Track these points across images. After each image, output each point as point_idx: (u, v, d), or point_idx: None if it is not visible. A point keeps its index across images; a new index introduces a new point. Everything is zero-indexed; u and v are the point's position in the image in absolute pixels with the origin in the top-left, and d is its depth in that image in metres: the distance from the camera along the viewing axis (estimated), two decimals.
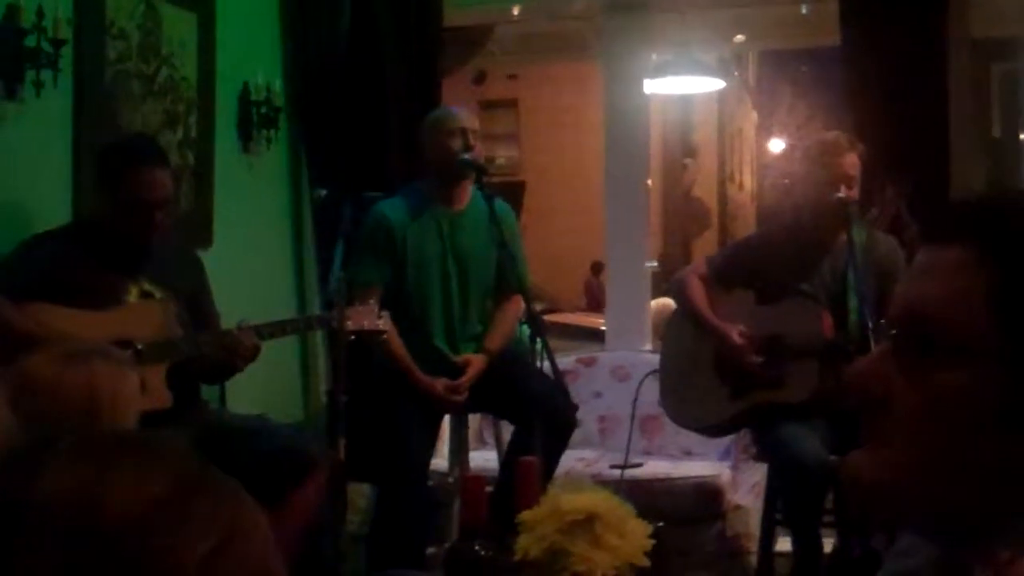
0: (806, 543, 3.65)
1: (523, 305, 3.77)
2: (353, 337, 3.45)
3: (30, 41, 3.47)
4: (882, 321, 3.56)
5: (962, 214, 0.92)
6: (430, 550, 4.02)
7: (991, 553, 0.85)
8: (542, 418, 3.55)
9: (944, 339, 0.87)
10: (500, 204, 3.99)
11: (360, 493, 4.34)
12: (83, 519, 0.75)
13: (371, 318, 3.48)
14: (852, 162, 3.80)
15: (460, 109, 4.14)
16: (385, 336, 3.64)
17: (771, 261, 3.87)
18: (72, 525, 0.75)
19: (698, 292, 3.96)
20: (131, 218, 3.34)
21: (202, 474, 0.81)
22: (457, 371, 3.96)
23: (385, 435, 3.86)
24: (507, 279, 4.00)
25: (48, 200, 3.66)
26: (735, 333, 3.83)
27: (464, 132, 3.92)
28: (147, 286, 3.42)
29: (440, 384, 3.91)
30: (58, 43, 3.53)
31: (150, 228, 3.38)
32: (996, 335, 0.85)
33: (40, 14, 3.48)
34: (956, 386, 0.86)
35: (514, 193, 13.62)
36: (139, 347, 3.19)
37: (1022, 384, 0.85)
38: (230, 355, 3.36)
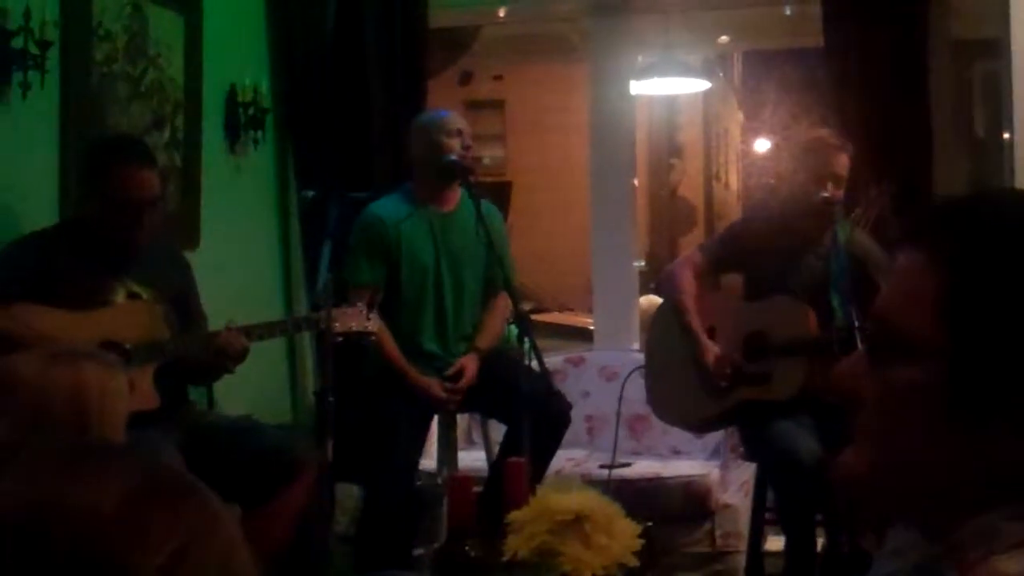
0: (800, 541, 3.65)
1: (510, 304, 3.78)
2: (341, 339, 3.46)
3: (17, 43, 3.46)
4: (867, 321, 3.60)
5: (922, 219, 0.97)
6: (419, 551, 4.02)
7: (962, 553, 0.87)
8: (536, 417, 3.57)
9: (898, 339, 0.91)
10: (486, 204, 4.01)
11: (348, 493, 4.35)
12: (37, 532, 0.74)
13: (359, 319, 3.48)
14: (842, 162, 3.82)
15: (451, 112, 4.16)
16: (375, 337, 3.65)
17: (757, 253, 3.88)
18: (27, 538, 0.74)
19: (688, 290, 3.96)
20: (118, 217, 3.33)
21: (158, 480, 0.80)
22: (446, 370, 3.97)
23: (372, 435, 3.86)
24: (494, 279, 4.01)
25: (35, 201, 3.65)
26: (711, 355, 3.85)
27: (462, 133, 3.95)
28: (134, 287, 3.42)
29: (437, 384, 3.92)
30: (45, 45, 3.52)
31: (137, 228, 3.37)
32: (942, 336, 0.89)
33: (27, 16, 3.47)
34: (906, 384, 0.90)
35: (501, 193, 13.61)
36: (127, 348, 3.19)
37: (967, 385, 0.88)
38: (218, 356, 3.36)
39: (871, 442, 0.95)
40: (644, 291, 5.96)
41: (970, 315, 0.89)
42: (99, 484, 0.77)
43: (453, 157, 3.92)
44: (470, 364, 3.97)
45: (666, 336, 4.06)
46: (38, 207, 3.64)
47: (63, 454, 0.82)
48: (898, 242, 0.97)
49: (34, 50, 3.50)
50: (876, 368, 0.94)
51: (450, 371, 3.96)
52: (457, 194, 4.06)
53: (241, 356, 3.40)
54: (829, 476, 3.64)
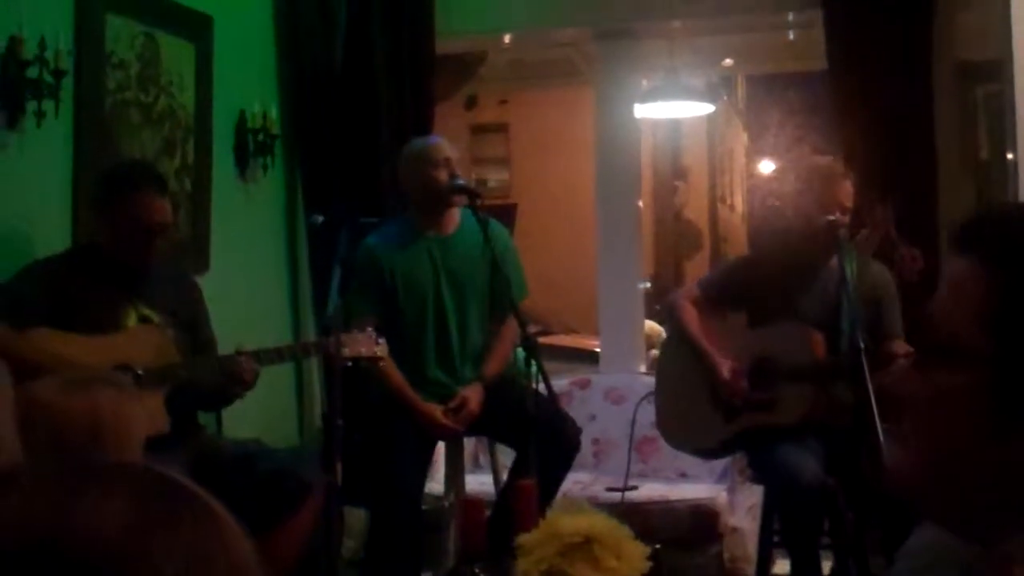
0: (805, 565, 3.65)
1: (517, 327, 3.80)
2: (350, 363, 3.48)
3: (32, 72, 3.51)
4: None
5: (970, 226, 0.98)
6: (426, 574, 4.03)
7: (1008, 566, 0.87)
8: (545, 441, 3.58)
9: (946, 344, 0.92)
10: (494, 225, 4.03)
11: (356, 517, 4.36)
12: (41, 561, 0.73)
13: (369, 344, 3.51)
14: (846, 191, 3.84)
15: (439, 138, 4.18)
16: (382, 363, 3.67)
17: (762, 283, 3.90)
18: (33, 559, 0.73)
19: (691, 316, 3.98)
20: (129, 243, 3.37)
21: (163, 499, 0.79)
22: (451, 398, 3.99)
23: (378, 459, 3.88)
24: (501, 300, 4.03)
25: (48, 227, 3.69)
26: (726, 369, 3.86)
27: (448, 161, 3.96)
28: (145, 311, 3.45)
29: (439, 412, 3.93)
30: (59, 74, 3.57)
31: (147, 253, 3.41)
32: (988, 343, 0.90)
33: (42, 45, 3.52)
34: (953, 389, 0.91)
35: (506, 215, 13.63)
36: (139, 372, 3.21)
37: (1012, 393, 0.89)
38: (229, 381, 3.39)
39: (918, 445, 0.96)
40: (650, 313, 5.97)
41: (1016, 323, 0.90)
42: (102, 506, 0.76)
43: (461, 182, 3.96)
44: (473, 395, 3.97)
45: (675, 362, 4.07)
46: (51, 233, 3.68)
47: (64, 476, 0.80)
48: (949, 249, 0.98)
49: (48, 79, 3.55)
50: (924, 371, 0.95)
51: (452, 404, 3.97)
52: (456, 217, 4.08)
53: (252, 381, 3.42)
54: (833, 499, 3.66)
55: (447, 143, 4.12)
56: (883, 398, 3.27)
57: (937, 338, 0.94)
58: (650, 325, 6.30)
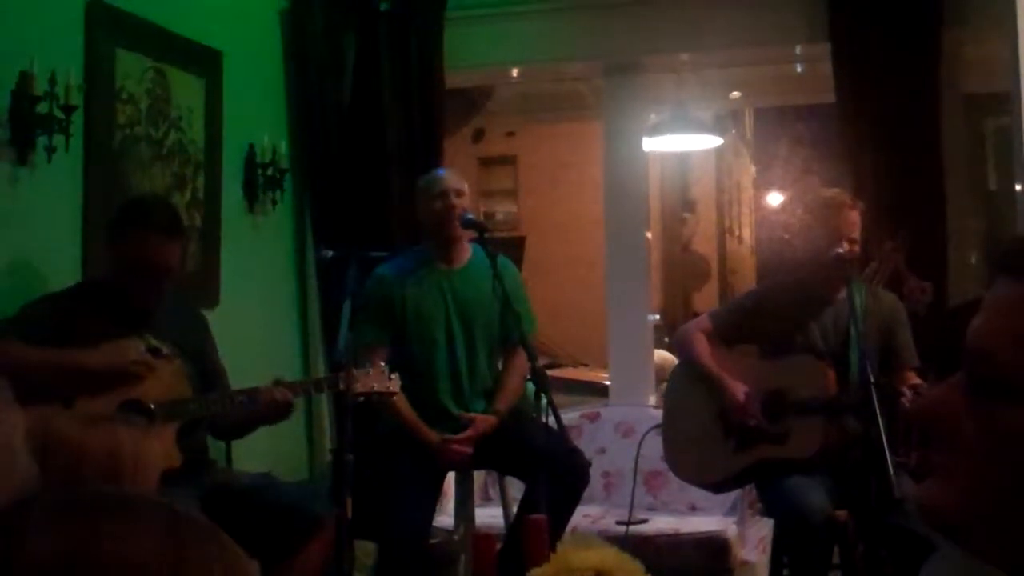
0: None
1: (527, 360, 3.79)
2: (362, 399, 3.48)
3: (42, 107, 3.53)
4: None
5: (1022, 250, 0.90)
6: None
7: None
8: (554, 475, 3.57)
9: (1002, 377, 0.85)
10: (502, 259, 4.04)
11: (366, 551, 4.35)
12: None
13: (381, 380, 3.51)
14: (853, 220, 3.84)
15: (447, 171, 4.21)
16: (396, 397, 3.68)
17: (773, 317, 3.90)
18: None
19: (703, 347, 3.98)
20: (134, 281, 3.37)
21: (183, 530, 0.80)
22: (462, 428, 3.99)
23: (386, 492, 3.87)
24: (510, 334, 4.03)
25: (58, 261, 3.71)
26: (740, 392, 3.85)
27: (446, 194, 3.98)
28: (154, 342, 3.45)
29: (446, 442, 3.93)
30: (69, 109, 3.59)
31: (153, 292, 3.41)
32: None
33: (52, 81, 3.55)
34: (1010, 426, 0.84)
35: (514, 248, 13.68)
36: (151, 407, 3.22)
37: None
38: (273, 412, 3.40)
39: (964, 481, 0.88)
40: (659, 346, 5.96)
41: None
42: (126, 535, 0.77)
43: (469, 216, 3.99)
44: (481, 421, 3.98)
45: (683, 395, 4.06)
46: (61, 267, 3.69)
47: (90, 501, 0.81)
48: (1000, 272, 0.90)
49: (59, 114, 3.57)
50: (977, 404, 0.87)
51: (464, 418, 3.98)
52: (468, 250, 4.09)
53: (287, 412, 3.44)
54: (843, 532, 3.64)
55: (453, 175, 4.14)
56: (908, 424, 3.25)
57: (992, 369, 0.86)
58: (662, 355, 6.29)
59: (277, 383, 3.42)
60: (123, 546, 0.76)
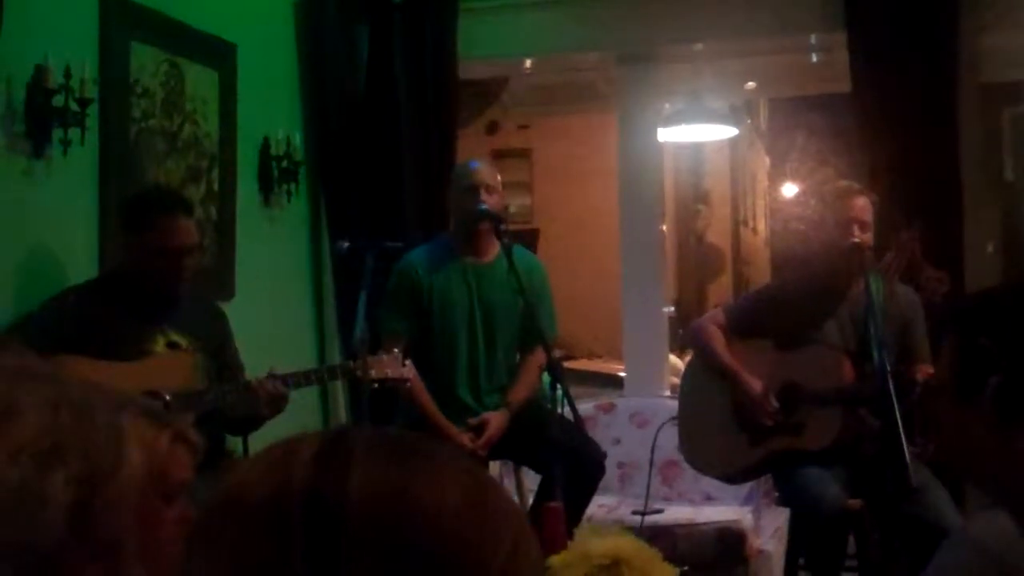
0: None
1: (545, 357, 3.79)
2: (376, 385, 3.49)
3: (58, 101, 3.54)
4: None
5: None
6: None
7: None
8: (570, 465, 3.57)
9: None
10: (522, 253, 4.03)
11: None
12: (400, 518, 0.75)
13: (395, 366, 3.51)
14: (863, 205, 3.82)
15: (479, 163, 4.18)
16: (409, 384, 3.67)
17: (788, 310, 3.88)
18: (391, 524, 0.75)
19: (718, 339, 3.97)
20: (158, 266, 3.40)
21: (484, 479, 0.82)
22: (476, 426, 3.98)
23: None
24: (530, 331, 4.02)
25: (75, 255, 3.72)
26: (757, 387, 3.84)
27: (475, 188, 3.97)
28: (174, 336, 3.47)
29: (464, 436, 3.93)
30: (84, 102, 3.60)
31: (177, 276, 3.44)
32: None
33: (67, 74, 3.56)
34: None
35: (528, 241, 13.66)
36: (167, 398, 3.23)
37: None
38: (261, 404, 3.40)
39: None
40: (673, 337, 5.95)
41: None
42: (438, 480, 0.78)
43: (484, 207, 3.96)
44: (495, 419, 3.97)
45: (698, 387, 4.06)
46: (78, 260, 3.71)
47: (399, 445, 0.82)
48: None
49: (74, 108, 3.58)
50: None
51: (474, 421, 3.97)
52: (495, 245, 4.08)
53: (282, 405, 3.44)
54: (858, 522, 3.64)
55: (486, 167, 4.13)
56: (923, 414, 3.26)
57: None
58: (672, 360, 6.29)
59: (270, 376, 3.42)
60: (436, 494, 0.77)
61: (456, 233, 4.13)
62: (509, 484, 4.79)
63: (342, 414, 5.04)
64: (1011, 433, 1.21)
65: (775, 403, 3.82)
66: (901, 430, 3.26)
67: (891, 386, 3.39)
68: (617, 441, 4.97)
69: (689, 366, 4.22)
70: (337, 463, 0.78)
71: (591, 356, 10.64)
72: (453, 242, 4.13)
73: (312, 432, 0.83)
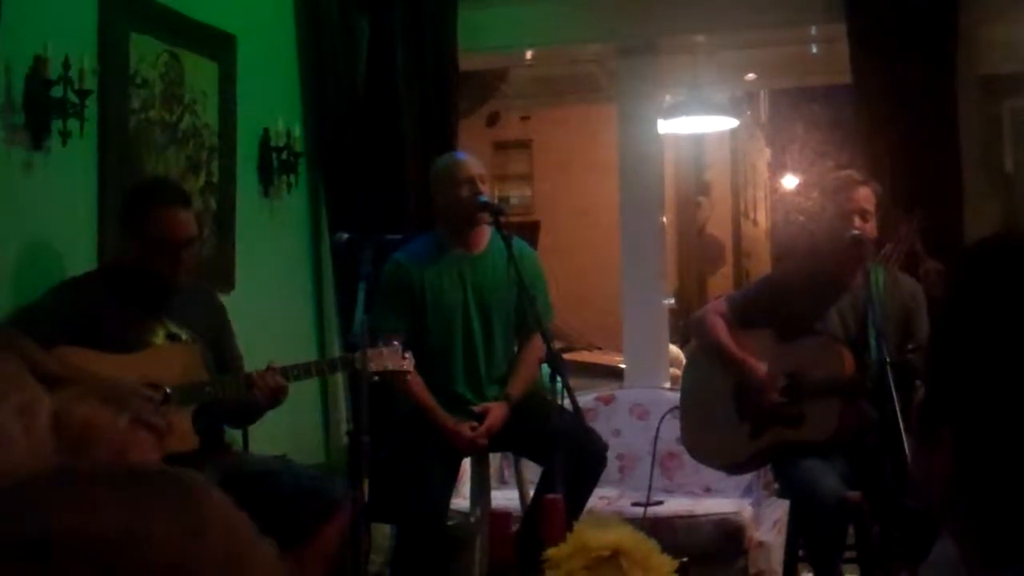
0: None
1: (543, 346, 3.79)
2: (376, 378, 3.49)
3: (56, 92, 3.53)
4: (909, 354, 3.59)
5: None
6: None
7: None
8: (572, 457, 3.57)
9: None
10: (519, 244, 4.02)
11: (382, 533, 4.36)
12: (129, 555, 0.72)
13: (395, 359, 3.51)
14: (865, 195, 3.82)
15: (466, 156, 4.18)
16: (408, 377, 3.67)
17: (790, 300, 3.88)
18: (116, 563, 0.72)
19: (722, 329, 3.96)
20: (157, 257, 3.39)
21: (208, 504, 0.79)
22: (478, 414, 3.99)
23: (403, 475, 3.88)
24: (527, 320, 4.02)
25: (74, 246, 3.72)
26: (762, 369, 3.84)
27: (472, 180, 3.97)
28: (173, 328, 3.47)
29: (465, 428, 3.93)
30: (83, 93, 3.59)
31: (176, 268, 3.43)
32: None
33: (66, 65, 3.55)
34: None
35: (528, 232, 13.68)
36: (167, 389, 3.23)
37: None
38: (260, 396, 3.40)
39: None
40: (673, 329, 5.95)
41: None
42: (176, 505, 0.76)
43: (484, 199, 3.96)
44: (496, 409, 3.97)
45: (700, 377, 4.06)
46: (77, 251, 3.70)
47: (118, 475, 0.80)
48: None
49: (73, 99, 3.58)
50: None
51: (477, 409, 3.97)
52: (486, 235, 4.08)
53: (281, 396, 3.44)
54: (858, 513, 3.64)
55: (474, 160, 4.12)
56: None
57: None
58: (671, 348, 6.28)
59: (270, 368, 3.42)
60: (169, 521, 0.75)
61: (447, 226, 4.11)
62: (509, 476, 4.79)
63: (342, 406, 5.04)
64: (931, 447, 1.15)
65: (778, 390, 3.81)
66: (900, 421, 3.26)
67: (890, 377, 3.39)
68: (617, 433, 4.96)
69: (691, 357, 4.22)
70: (40, 499, 0.74)
71: (591, 348, 10.63)
72: (442, 236, 4.11)
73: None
